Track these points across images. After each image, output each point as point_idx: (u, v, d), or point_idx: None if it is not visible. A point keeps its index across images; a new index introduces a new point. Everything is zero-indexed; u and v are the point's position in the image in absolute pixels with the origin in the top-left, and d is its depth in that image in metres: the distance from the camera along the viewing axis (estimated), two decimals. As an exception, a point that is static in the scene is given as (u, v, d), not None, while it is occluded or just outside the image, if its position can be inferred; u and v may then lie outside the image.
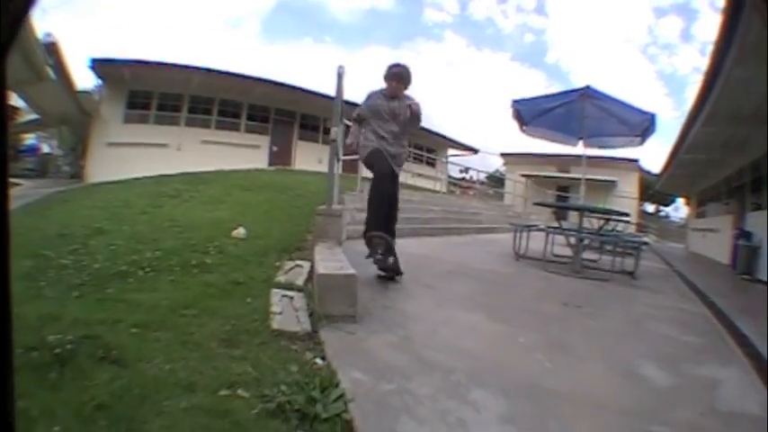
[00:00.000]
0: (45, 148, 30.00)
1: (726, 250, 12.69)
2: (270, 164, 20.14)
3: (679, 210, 36.43)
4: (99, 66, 17.75)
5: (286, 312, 3.83)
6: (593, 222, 10.29)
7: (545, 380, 3.00)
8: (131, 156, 17.31)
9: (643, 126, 9.68)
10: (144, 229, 6.12)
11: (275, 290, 4.31)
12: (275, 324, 3.55)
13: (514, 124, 10.43)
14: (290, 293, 4.25)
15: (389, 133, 5.19)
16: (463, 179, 31.83)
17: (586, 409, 2.66)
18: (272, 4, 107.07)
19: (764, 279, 9.38)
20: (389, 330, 3.66)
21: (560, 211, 19.56)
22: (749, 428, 2.75)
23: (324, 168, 17.65)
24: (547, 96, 10.30)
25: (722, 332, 4.98)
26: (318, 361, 3.07)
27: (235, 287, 4.32)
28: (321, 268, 4.09)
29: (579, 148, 11.17)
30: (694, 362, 3.78)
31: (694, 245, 18.86)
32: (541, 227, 10.03)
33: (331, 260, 4.50)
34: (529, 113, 10.37)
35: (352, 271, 4.07)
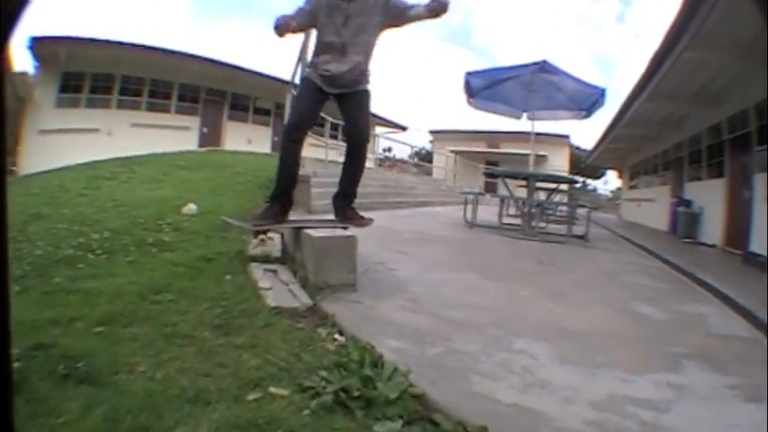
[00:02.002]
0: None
1: (663, 218, 12.95)
2: (200, 145, 18.38)
3: (608, 183, 38.13)
4: (37, 45, 15.44)
5: (276, 287, 3.12)
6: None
7: (567, 323, 3.06)
8: (62, 143, 15.33)
9: (591, 100, 9.61)
10: (86, 210, 5.01)
11: (254, 264, 3.59)
12: (270, 301, 2.82)
13: (463, 96, 10.04)
14: (271, 267, 3.56)
15: (336, 46, 3.52)
16: (386, 158, 31.34)
17: (615, 342, 2.81)
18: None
19: (706, 242, 9.60)
20: (394, 295, 3.31)
21: (492, 183, 20.12)
22: (742, 345, 3.15)
23: (254, 148, 16.69)
24: (499, 69, 9.93)
25: (685, 281, 5.32)
26: (338, 336, 2.47)
27: (205, 264, 3.49)
28: (313, 231, 3.36)
29: (523, 122, 11.13)
30: (676, 301, 4.11)
31: (628, 214, 19.21)
32: (487, 196, 10.42)
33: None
34: (477, 85, 9.96)
35: (350, 232, 3.41)
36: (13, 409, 0.74)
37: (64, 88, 17.26)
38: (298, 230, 3.63)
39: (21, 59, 18.25)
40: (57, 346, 1.90)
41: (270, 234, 4.11)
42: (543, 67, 9.19)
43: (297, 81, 4.76)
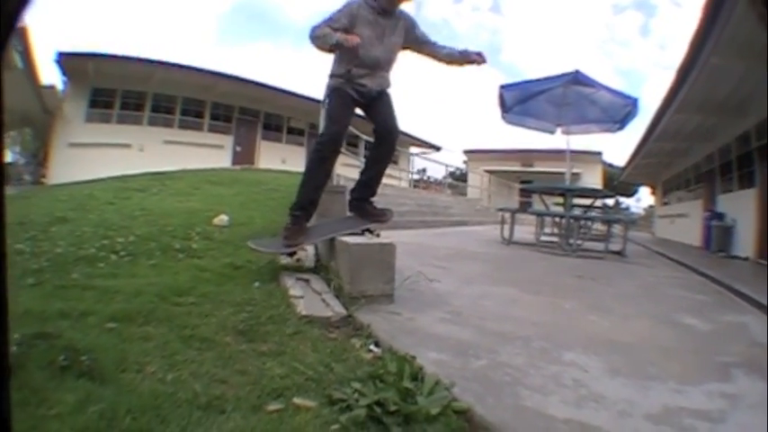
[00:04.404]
0: (8, 157, 26.86)
1: (696, 233, 12.75)
2: (233, 164, 18.74)
3: (641, 201, 37.31)
4: (65, 60, 15.92)
5: (308, 296, 2.93)
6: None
7: (615, 336, 2.97)
8: (93, 157, 15.67)
9: (624, 111, 9.50)
10: (113, 217, 4.97)
11: (285, 272, 3.42)
12: (301, 309, 2.63)
13: (497, 111, 9.95)
14: (303, 276, 3.38)
15: (371, 61, 3.49)
16: (421, 179, 31.24)
17: (664, 353, 2.71)
18: (228, 6, 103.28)
19: (739, 255, 9.42)
20: (434, 307, 3.15)
21: (526, 202, 19.93)
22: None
23: (288, 168, 16.74)
24: (533, 81, 9.78)
25: (724, 292, 5.25)
26: (373, 348, 2.27)
27: (234, 271, 3.37)
28: (350, 238, 3.18)
29: (556, 139, 11.09)
30: (718, 312, 4.05)
31: (662, 231, 18.84)
32: (534, 210, 10.16)
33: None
34: (512, 99, 9.86)
35: (388, 240, 3.20)
36: (10, 405, 0.71)
37: (94, 103, 17.58)
38: (332, 239, 3.48)
39: (49, 73, 18.68)
40: (62, 337, 1.76)
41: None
42: (576, 77, 9.06)
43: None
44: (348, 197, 3.84)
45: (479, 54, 3.69)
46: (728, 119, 10.03)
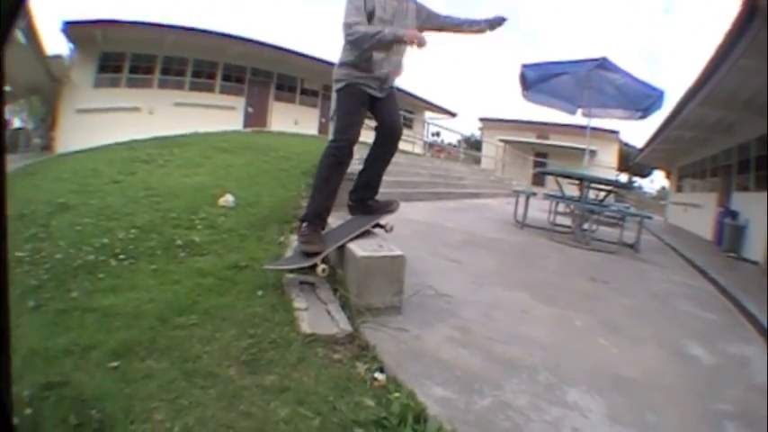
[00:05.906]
0: (16, 123, 27.14)
1: (708, 226, 12.77)
2: (245, 125, 18.87)
3: (654, 182, 37.97)
4: (71, 28, 15.93)
5: (313, 307, 2.91)
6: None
7: (620, 368, 2.98)
8: (102, 122, 15.73)
9: (648, 102, 9.49)
10: (115, 201, 4.95)
11: (290, 275, 3.36)
12: (305, 326, 2.62)
13: (518, 88, 9.97)
14: (309, 279, 3.32)
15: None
16: (434, 143, 31.12)
17: (666, 396, 2.71)
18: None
19: (749, 258, 9.39)
20: (442, 321, 3.16)
21: (540, 176, 19.90)
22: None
23: (301, 129, 16.65)
24: (556, 63, 9.71)
25: (732, 310, 5.30)
26: (378, 375, 2.29)
27: (237, 274, 3.31)
28: (358, 249, 3.15)
29: (578, 117, 11.07)
30: (723, 340, 4.06)
31: (674, 218, 18.80)
32: (549, 194, 9.83)
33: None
34: (534, 78, 9.80)
35: (398, 252, 3.18)
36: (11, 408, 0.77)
37: (102, 68, 17.55)
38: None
39: (55, 43, 18.62)
40: (69, 384, 1.78)
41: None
42: (603, 64, 9.00)
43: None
44: (347, 200, 3.80)
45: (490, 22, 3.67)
46: (752, 117, 9.88)
